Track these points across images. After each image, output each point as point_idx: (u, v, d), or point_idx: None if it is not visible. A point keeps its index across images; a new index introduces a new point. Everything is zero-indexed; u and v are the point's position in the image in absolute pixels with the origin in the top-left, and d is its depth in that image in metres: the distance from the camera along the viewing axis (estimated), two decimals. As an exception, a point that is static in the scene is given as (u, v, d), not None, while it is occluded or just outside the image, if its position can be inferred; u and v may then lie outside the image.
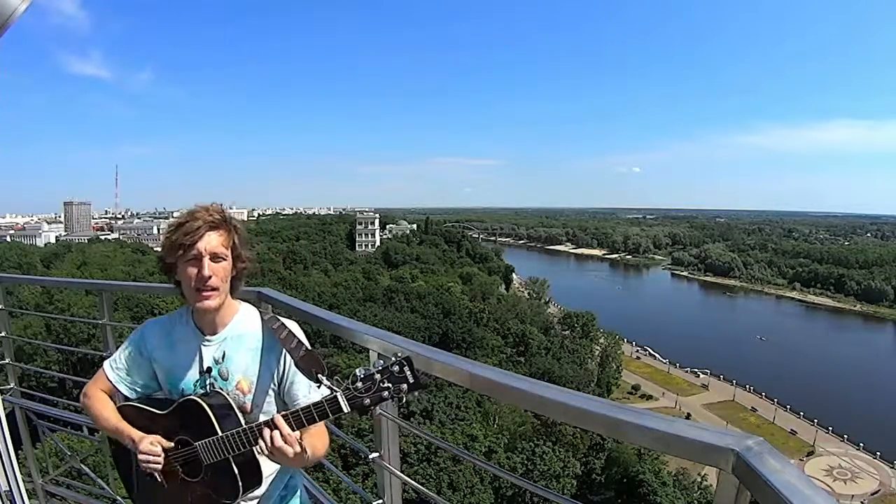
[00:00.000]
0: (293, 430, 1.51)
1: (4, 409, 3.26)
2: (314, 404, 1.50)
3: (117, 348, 1.87)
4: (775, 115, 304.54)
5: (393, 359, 1.47)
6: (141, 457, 1.62)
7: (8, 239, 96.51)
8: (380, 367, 1.46)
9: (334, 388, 1.48)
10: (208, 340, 1.74)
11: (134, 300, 48.89)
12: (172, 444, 1.66)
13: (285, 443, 1.50)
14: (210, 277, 1.63)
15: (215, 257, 1.65)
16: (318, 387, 1.56)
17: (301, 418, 1.51)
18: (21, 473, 3.35)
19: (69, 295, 46.85)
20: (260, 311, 1.83)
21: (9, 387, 4.02)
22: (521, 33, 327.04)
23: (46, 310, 44.97)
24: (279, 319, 1.77)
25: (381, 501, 2.02)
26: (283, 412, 1.53)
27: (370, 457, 1.98)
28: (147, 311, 49.17)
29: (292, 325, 1.76)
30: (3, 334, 3.96)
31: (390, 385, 1.44)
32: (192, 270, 1.63)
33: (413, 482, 2.00)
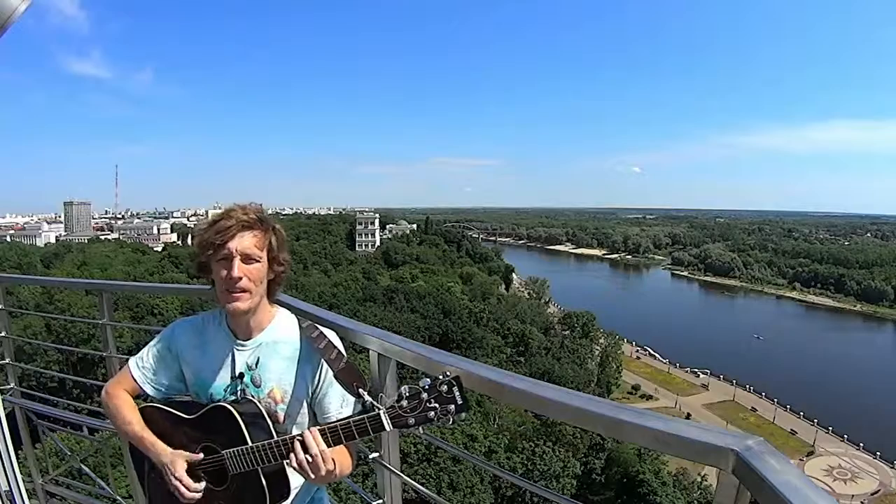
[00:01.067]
0: (329, 446, 1.45)
1: (4, 409, 3.26)
2: (355, 421, 1.43)
3: (117, 348, 1.84)
4: (775, 115, 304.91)
5: (441, 377, 1.40)
6: (173, 482, 1.56)
7: (8, 239, 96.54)
8: (426, 386, 1.39)
9: (377, 404, 1.42)
10: (242, 345, 1.68)
11: (134, 300, 48.92)
12: (201, 457, 1.59)
13: (316, 459, 1.44)
14: (240, 279, 1.56)
15: (247, 258, 1.58)
16: (357, 401, 1.50)
17: (339, 434, 1.44)
18: (21, 473, 3.35)
19: (69, 295, 46.83)
20: (298, 319, 1.76)
21: (9, 387, 4.02)
22: (521, 33, 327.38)
23: (46, 310, 45.01)
24: (317, 328, 1.71)
25: (381, 501, 2.02)
26: (321, 427, 1.47)
27: (370, 457, 1.97)
28: (147, 311, 49.26)
29: (330, 335, 1.70)
30: (3, 334, 3.96)
31: (437, 406, 1.38)
32: (223, 271, 1.57)
33: (413, 482, 1.99)
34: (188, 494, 1.56)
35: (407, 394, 1.40)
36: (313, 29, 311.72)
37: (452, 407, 1.39)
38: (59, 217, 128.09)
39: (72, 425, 4.15)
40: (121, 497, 3.79)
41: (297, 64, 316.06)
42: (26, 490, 3.36)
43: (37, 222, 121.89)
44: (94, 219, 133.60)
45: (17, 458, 3.34)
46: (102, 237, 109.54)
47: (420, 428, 1.42)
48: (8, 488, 3.19)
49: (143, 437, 1.64)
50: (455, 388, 1.39)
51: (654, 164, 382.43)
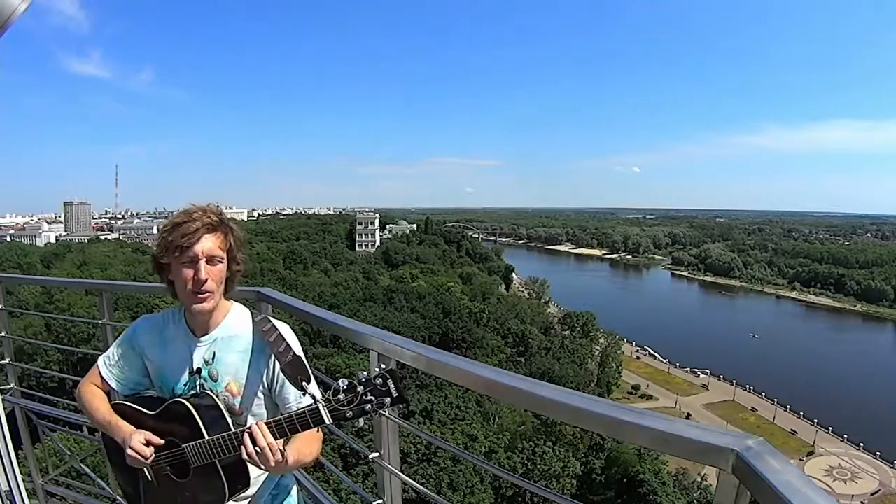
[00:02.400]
0: (275, 438, 1.51)
1: (4, 409, 3.26)
2: (296, 414, 1.50)
3: None
4: (775, 115, 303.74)
5: (376, 370, 1.47)
6: (128, 452, 1.63)
7: (8, 239, 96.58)
8: (363, 379, 1.46)
9: (317, 398, 1.48)
10: (199, 341, 1.74)
11: (134, 300, 48.75)
12: (160, 449, 1.66)
13: (265, 451, 1.50)
14: (206, 281, 1.62)
15: (211, 260, 1.64)
16: (304, 394, 1.56)
17: (283, 427, 1.51)
18: (21, 473, 3.35)
19: (69, 295, 46.88)
20: (252, 313, 1.82)
21: (9, 387, 4.02)
22: (520, 34, 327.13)
23: (46, 310, 44.96)
24: (270, 321, 1.76)
25: (381, 501, 2.02)
26: (267, 420, 1.54)
27: (370, 457, 1.98)
28: (147, 311, 48.68)
29: (284, 329, 1.74)
30: (3, 334, 3.96)
31: (373, 398, 1.44)
32: (188, 273, 1.62)
33: (413, 482, 2.00)
34: (140, 458, 1.62)
35: (344, 387, 1.45)
36: (313, 30, 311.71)
37: (388, 399, 1.44)
38: (59, 217, 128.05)
39: (71, 425, 4.15)
40: (120, 497, 3.78)
41: (297, 65, 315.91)
42: (26, 490, 3.36)
43: (37, 222, 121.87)
44: (94, 219, 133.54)
45: (17, 458, 3.34)
46: (102, 237, 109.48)
47: (360, 420, 1.47)
48: (8, 488, 3.19)
49: (110, 421, 1.71)
50: (390, 381, 1.44)
51: (654, 164, 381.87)
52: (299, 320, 2.60)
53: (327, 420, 1.46)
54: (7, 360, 4.01)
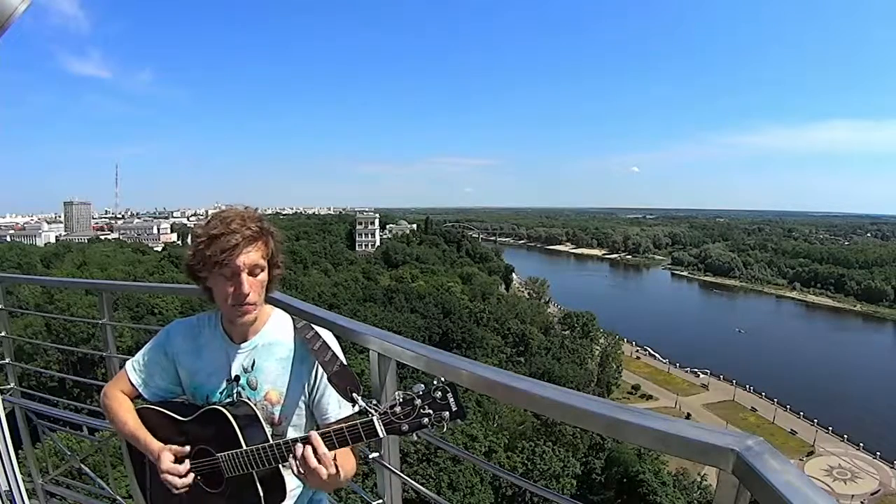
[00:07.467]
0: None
1: (4, 409, 3.26)
2: (348, 427, 1.41)
3: (117, 348, 1.84)
4: (775, 115, 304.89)
5: (435, 383, 1.38)
6: (163, 475, 1.56)
7: (8, 239, 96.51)
8: (420, 392, 1.37)
9: (370, 409, 1.40)
10: (238, 348, 1.67)
11: (134, 300, 48.96)
12: (192, 457, 1.59)
13: (320, 463, 1.41)
14: (249, 294, 1.54)
15: (253, 271, 1.56)
16: (353, 405, 1.49)
17: (333, 440, 1.42)
18: (21, 473, 3.35)
19: (69, 295, 46.88)
20: (293, 318, 1.74)
21: (9, 387, 4.01)
22: (521, 35, 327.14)
23: (46, 309, 45.01)
24: (313, 328, 1.69)
25: (381, 501, 2.02)
26: (318, 431, 1.45)
27: (370, 457, 1.97)
28: (147, 311, 49.27)
29: (326, 335, 1.68)
30: (3, 334, 3.95)
31: (431, 412, 1.36)
32: (230, 287, 1.54)
33: (413, 482, 1.99)
34: (178, 483, 1.56)
35: (400, 399, 1.37)
36: (313, 30, 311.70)
37: (447, 413, 1.36)
38: (59, 217, 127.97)
39: (72, 425, 4.14)
40: (121, 497, 3.78)
41: (296, 64, 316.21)
42: (26, 490, 3.36)
43: (37, 222, 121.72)
44: (94, 219, 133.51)
45: (17, 458, 3.34)
46: (102, 237, 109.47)
47: (415, 434, 1.39)
48: (8, 488, 3.19)
49: (138, 435, 1.64)
50: (449, 395, 1.37)
51: (654, 164, 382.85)
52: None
53: (381, 434, 1.38)
54: (7, 360, 4.00)
